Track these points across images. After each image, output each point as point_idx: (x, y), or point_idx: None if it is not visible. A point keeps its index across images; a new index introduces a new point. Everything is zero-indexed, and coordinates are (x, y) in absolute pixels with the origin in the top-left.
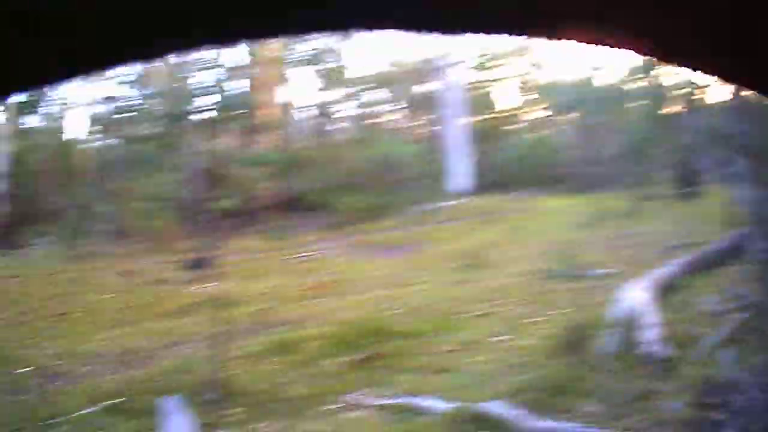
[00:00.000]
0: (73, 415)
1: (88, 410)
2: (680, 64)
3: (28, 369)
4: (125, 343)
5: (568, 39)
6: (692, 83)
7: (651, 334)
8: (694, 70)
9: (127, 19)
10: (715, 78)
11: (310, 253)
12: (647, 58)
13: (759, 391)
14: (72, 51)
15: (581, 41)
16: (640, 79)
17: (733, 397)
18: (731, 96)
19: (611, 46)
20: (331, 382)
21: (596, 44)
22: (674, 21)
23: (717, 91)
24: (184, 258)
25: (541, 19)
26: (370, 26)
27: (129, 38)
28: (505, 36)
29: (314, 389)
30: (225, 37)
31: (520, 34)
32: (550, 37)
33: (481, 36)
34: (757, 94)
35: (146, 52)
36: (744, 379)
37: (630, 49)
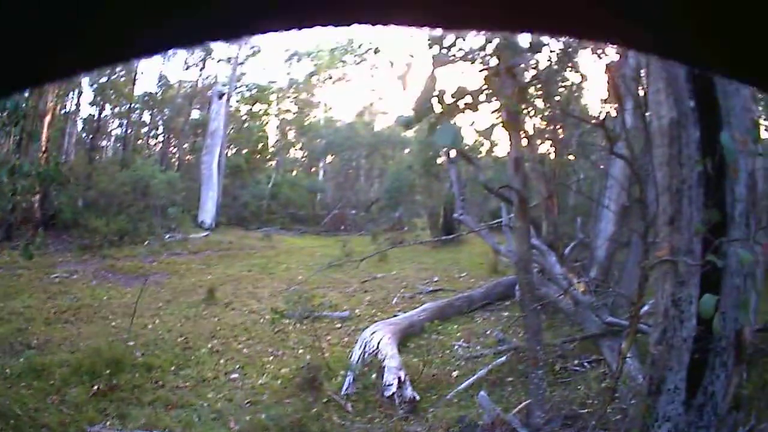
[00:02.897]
0: None
1: None
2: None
3: None
4: None
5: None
6: (476, 136)
7: (393, 376)
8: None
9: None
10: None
11: (60, 275)
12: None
13: (528, 430)
14: (68, 49)
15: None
16: (412, 127)
17: None
18: (507, 151)
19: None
20: (76, 411)
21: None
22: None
23: (499, 146)
24: None
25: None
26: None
27: (123, 33)
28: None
29: (62, 417)
30: (209, 34)
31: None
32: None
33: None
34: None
35: (139, 50)
36: (508, 419)
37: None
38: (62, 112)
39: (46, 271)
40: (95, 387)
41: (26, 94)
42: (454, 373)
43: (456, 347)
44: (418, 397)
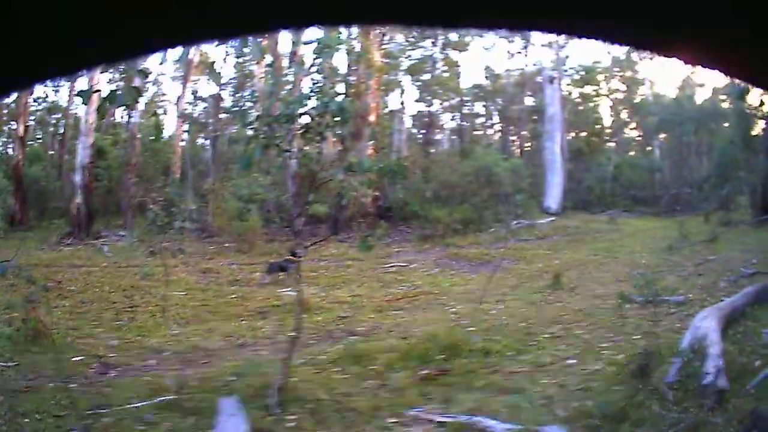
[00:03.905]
0: (121, 407)
1: (138, 404)
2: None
3: (82, 357)
4: (193, 341)
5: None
6: None
7: (712, 365)
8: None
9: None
10: None
11: (397, 264)
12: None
13: None
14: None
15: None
16: (731, 99)
17: None
18: None
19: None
20: (396, 395)
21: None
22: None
23: None
24: (268, 261)
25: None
26: (378, 20)
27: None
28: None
29: (377, 401)
30: (233, 28)
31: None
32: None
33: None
34: None
35: (172, 39)
36: None
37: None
38: (386, 111)
39: (380, 262)
40: (423, 372)
41: (344, 97)
42: (757, 363)
43: (764, 334)
44: (727, 388)
